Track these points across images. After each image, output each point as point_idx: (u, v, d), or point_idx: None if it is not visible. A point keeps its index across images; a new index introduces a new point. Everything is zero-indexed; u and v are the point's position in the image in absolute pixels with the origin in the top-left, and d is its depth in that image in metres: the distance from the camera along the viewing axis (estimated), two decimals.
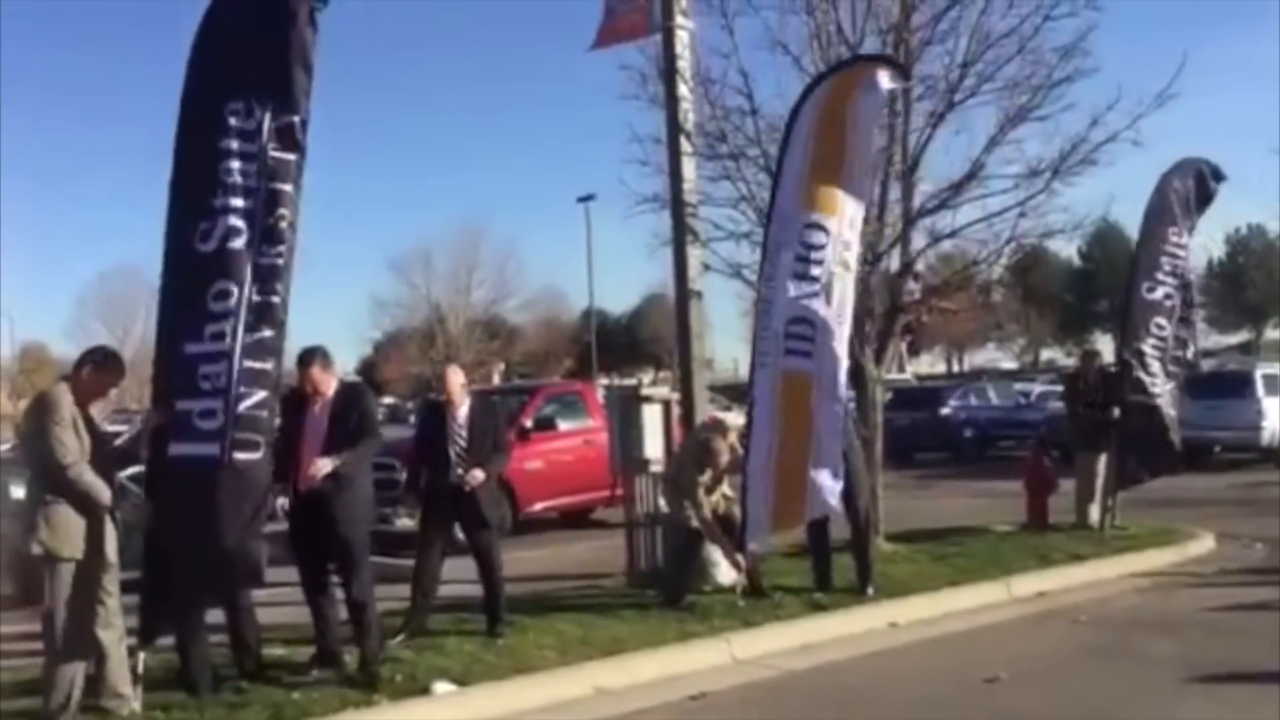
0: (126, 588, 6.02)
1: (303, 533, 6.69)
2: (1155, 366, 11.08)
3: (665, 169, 10.03)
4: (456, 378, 7.83)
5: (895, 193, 10.51)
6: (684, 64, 9.68)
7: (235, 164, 5.89)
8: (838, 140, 8.19)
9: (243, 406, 5.78)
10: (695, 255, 9.79)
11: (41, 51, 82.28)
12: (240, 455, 5.77)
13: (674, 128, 9.67)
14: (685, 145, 9.70)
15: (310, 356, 6.74)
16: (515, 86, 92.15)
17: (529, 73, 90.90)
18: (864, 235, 10.28)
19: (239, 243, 5.86)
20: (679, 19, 9.60)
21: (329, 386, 6.79)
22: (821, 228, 8.15)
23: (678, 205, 9.69)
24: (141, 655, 6.07)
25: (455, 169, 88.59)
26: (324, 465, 6.47)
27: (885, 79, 8.18)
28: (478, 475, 7.45)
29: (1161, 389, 11.12)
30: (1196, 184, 11.58)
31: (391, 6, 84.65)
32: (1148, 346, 11.13)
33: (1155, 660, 7.03)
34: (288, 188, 5.97)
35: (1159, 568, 10.17)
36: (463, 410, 7.67)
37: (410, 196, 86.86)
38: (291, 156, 5.99)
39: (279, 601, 7.18)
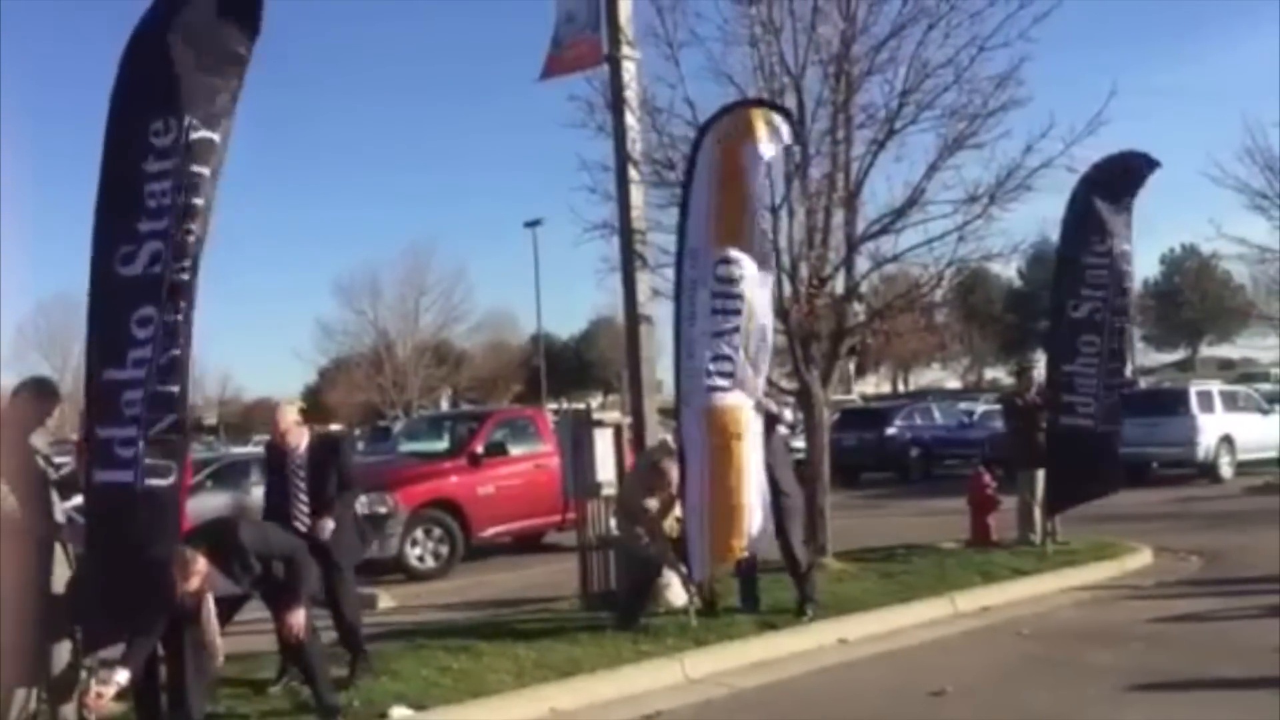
0: None
1: None
2: (1087, 386, 10.96)
3: (614, 196, 10.20)
4: (289, 415, 7.34)
5: (839, 218, 10.75)
6: (631, 94, 9.86)
7: (157, 185, 5.78)
8: (739, 174, 8.30)
9: (154, 431, 5.70)
10: (644, 280, 9.93)
11: None
12: (152, 481, 5.71)
13: (622, 156, 9.84)
14: (633, 173, 9.86)
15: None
16: (464, 112, 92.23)
17: (478, 99, 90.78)
18: (808, 260, 10.56)
19: (159, 266, 5.75)
20: (625, 50, 9.77)
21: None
22: (734, 261, 8.25)
23: (626, 232, 9.84)
24: (93, 681, 6.02)
25: (402, 194, 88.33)
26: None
27: (773, 132, 8.31)
28: (327, 526, 7.03)
29: (1095, 409, 10.95)
30: (1122, 177, 11.15)
31: (340, 29, 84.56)
32: (1078, 367, 11.01)
33: (1096, 671, 7.23)
34: (199, 202, 5.82)
35: (1098, 581, 10.43)
36: (300, 450, 7.23)
37: (357, 222, 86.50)
38: (206, 171, 5.84)
39: (235, 631, 7.15)
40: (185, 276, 5.77)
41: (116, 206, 5.88)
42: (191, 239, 5.79)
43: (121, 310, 5.79)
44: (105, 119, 5.99)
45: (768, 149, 8.29)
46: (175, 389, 5.77)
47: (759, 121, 8.34)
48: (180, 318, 5.76)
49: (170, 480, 5.76)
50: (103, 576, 5.79)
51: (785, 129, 8.48)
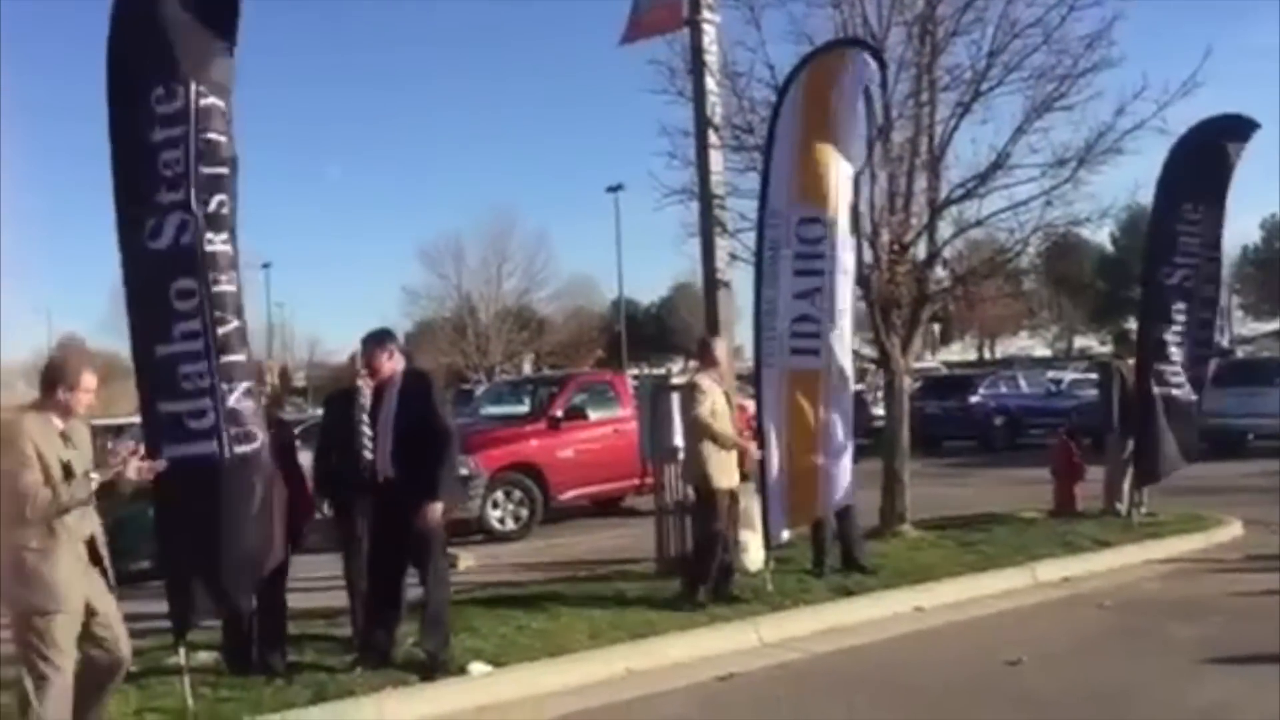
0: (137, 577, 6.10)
1: (382, 527, 6.69)
2: (1176, 354, 10.77)
3: (693, 161, 10.17)
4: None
5: (921, 182, 10.61)
6: (711, 58, 9.81)
7: (169, 154, 5.76)
8: (822, 129, 8.22)
9: (230, 401, 5.78)
10: (723, 246, 9.90)
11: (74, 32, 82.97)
12: (240, 449, 5.80)
13: (701, 121, 9.81)
14: (713, 138, 9.83)
15: (370, 342, 6.84)
16: (546, 78, 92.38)
17: (559, 65, 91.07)
18: (890, 225, 10.45)
19: (189, 237, 5.76)
20: (706, 13, 9.72)
21: (394, 371, 6.78)
22: (816, 220, 8.21)
23: (706, 197, 9.82)
24: (182, 650, 6.06)
25: (486, 160, 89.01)
26: (436, 510, 6.45)
27: (860, 63, 8.29)
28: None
29: (1184, 378, 10.79)
30: (1219, 139, 10.78)
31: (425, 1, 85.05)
32: (1169, 335, 10.81)
33: (1176, 643, 7.13)
34: (223, 171, 5.86)
35: (1185, 554, 10.23)
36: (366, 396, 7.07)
37: (441, 188, 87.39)
38: (223, 138, 5.86)
39: (316, 587, 7.37)
40: (228, 248, 5.84)
41: (131, 181, 5.85)
42: (225, 210, 5.84)
43: (158, 285, 5.80)
44: (105, 92, 5.90)
45: (855, 90, 8.21)
46: (241, 357, 5.87)
47: (845, 62, 8.29)
48: (233, 288, 5.85)
49: (255, 445, 5.86)
50: (194, 552, 5.82)
51: (873, 67, 8.37)
